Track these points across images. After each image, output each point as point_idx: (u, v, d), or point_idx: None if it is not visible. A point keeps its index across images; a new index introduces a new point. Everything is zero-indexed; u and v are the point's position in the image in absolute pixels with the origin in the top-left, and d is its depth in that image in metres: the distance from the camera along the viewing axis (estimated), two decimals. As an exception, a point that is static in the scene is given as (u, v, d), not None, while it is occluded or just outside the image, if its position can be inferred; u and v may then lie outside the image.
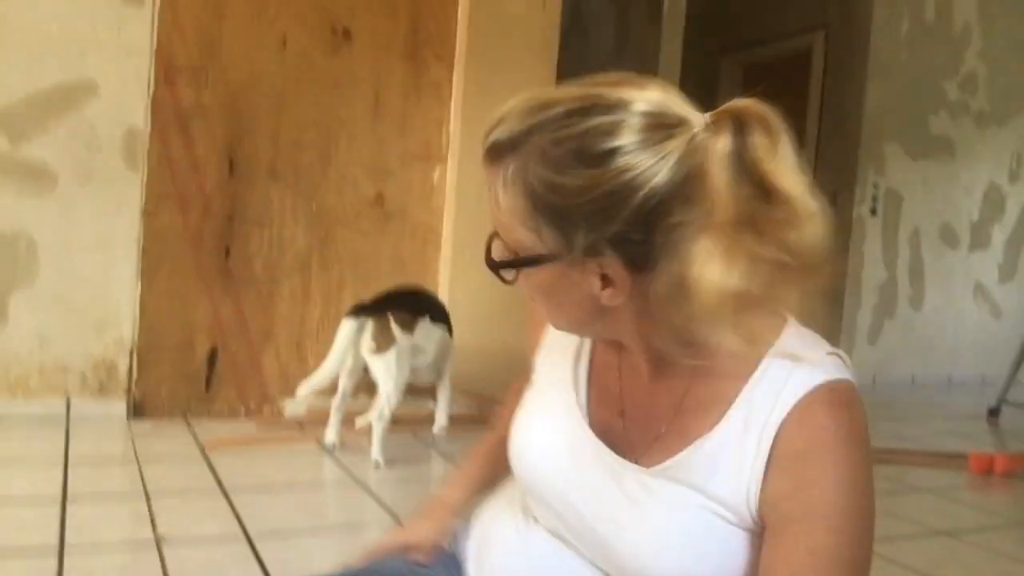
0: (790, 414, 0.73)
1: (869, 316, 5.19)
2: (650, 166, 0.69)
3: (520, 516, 0.92)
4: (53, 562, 1.70)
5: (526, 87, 2.85)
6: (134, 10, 2.84)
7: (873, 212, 5.10)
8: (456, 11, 3.30)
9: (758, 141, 0.71)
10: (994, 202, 5.55)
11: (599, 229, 0.71)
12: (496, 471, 1.06)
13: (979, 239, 5.53)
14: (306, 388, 2.67)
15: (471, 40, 3.24)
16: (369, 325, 2.61)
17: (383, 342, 2.59)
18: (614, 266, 0.73)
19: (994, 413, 4.24)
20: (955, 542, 2.31)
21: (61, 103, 2.79)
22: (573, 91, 0.73)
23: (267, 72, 3.03)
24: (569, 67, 4.42)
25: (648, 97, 0.72)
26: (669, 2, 4.44)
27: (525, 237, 0.75)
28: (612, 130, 0.70)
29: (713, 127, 0.72)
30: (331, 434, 2.73)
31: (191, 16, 2.92)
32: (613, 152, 0.69)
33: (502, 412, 1.08)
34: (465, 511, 1.05)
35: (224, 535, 1.94)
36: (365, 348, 2.62)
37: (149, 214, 2.91)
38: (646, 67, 4.47)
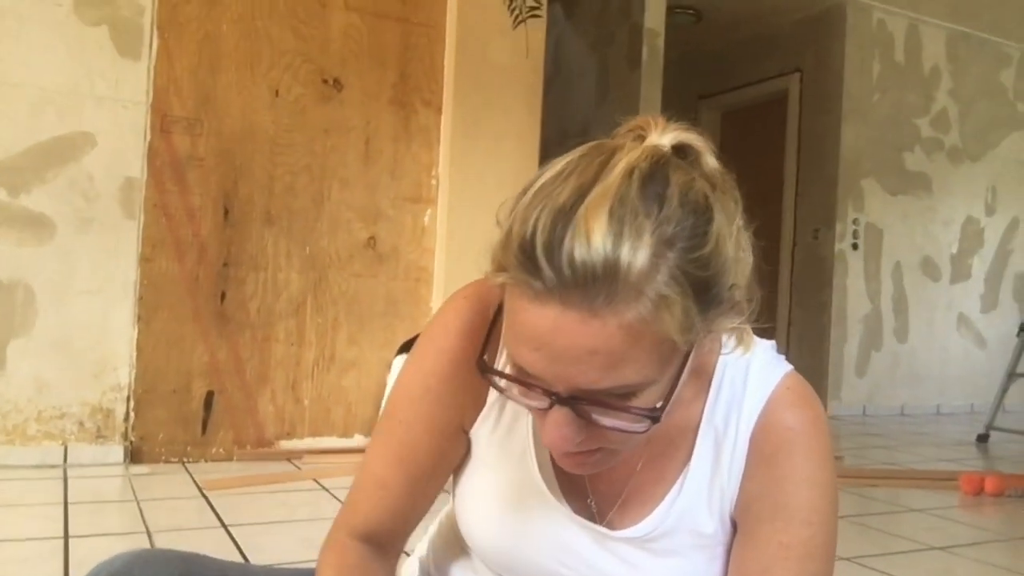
0: (757, 424, 0.75)
1: (856, 349, 5.26)
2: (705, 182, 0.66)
3: None
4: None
5: (513, 131, 2.94)
6: (131, 63, 2.94)
7: (855, 247, 5.21)
8: (443, 60, 3.41)
9: None
10: (972, 235, 5.68)
11: (732, 272, 0.64)
12: None
13: (960, 271, 5.64)
14: None
15: (458, 87, 3.35)
16: None
17: None
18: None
19: (983, 439, 4.30)
20: (950, 556, 2.35)
21: (60, 155, 2.86)
22: (609, 183, 0.61)
23: (260, 121, 3.12)
24: (553, 113, 4.53)
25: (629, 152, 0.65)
26: (648, 50, 4.59)
27: (662, 350, 0.61)
28: (670, 171, 0.63)
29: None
30: None
31: (186, 69, 3.01)
32: (692, 184, 0.63)
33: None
34: None
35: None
36: None
37: (146, 261, 2.97)
38: (627, 112, 4.58)
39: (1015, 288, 5.85)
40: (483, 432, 0.82)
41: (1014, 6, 5.18)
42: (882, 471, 3.41)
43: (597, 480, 0.79)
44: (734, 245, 0.65)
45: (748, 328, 0.73)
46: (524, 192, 0.63)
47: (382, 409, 2.77)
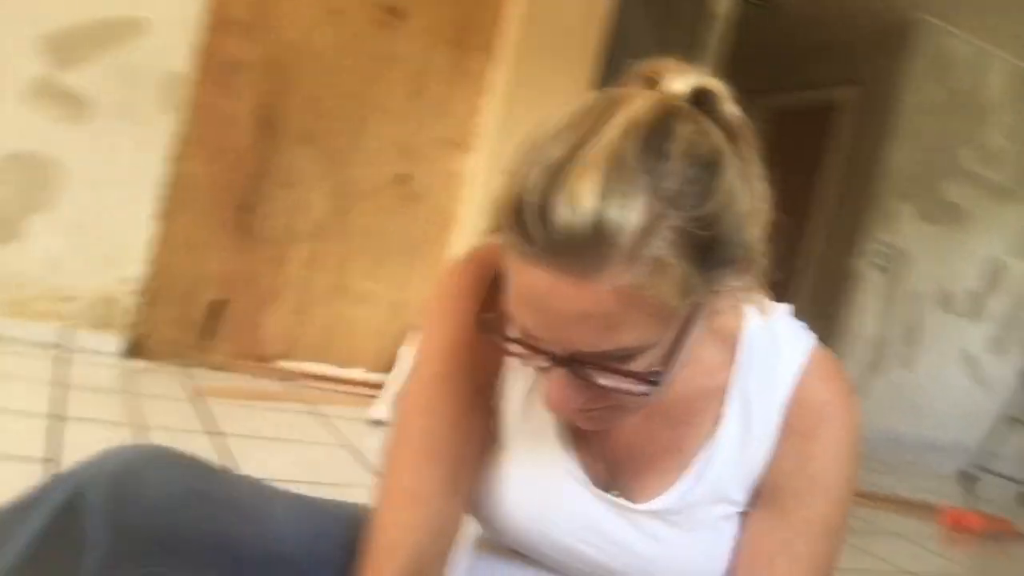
0: (791, 396, 0.73)
1: (861, 369, 5.24)
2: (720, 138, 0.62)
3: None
4: (43, 471, 1.72)
5: (565, 93, 2.89)
6: (195, -43, 2.88)
7: (880, 268, 5.16)
8: (507, 8, 3.34)
9: None
10: (996, 275, 5.62)
11: (743, 227, 0.61)
12: None
13: (976, 309, 5.59)
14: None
15: (519, 38, 3.29)
16: None
17: None
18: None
19: (971, 478, 4.30)
20: (925, 588, 2.35)
21: (110, 36, 2.81)
22: (605, 134, 0.57)
23: (316, 38, 3.07)
24: (604, 84, 4.45)
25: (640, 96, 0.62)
26: (714, 36, 4.50)
27: (661, 314, 0.59)
28: (676, 122, 0.59)
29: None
30: (383, 409, 2.76)
31: (249, -29, 2.96)
32: (700, 135, 0.60)
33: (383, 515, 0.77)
34: None
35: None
36: None
37: (177, 159, 2.93)
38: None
39: (1028, 336, 5.81)
40: (503, 401, 0.79)
41: (1085, 54, 5.08)
42: (870, 493, 3.40)
43: (615, 447, 0.77)
44: (748, 197, 0.61)
45: (764, 294, 0.71)
46: (524, 145, 0.60)
47: (397, 372, 2.67)
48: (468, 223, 3.31)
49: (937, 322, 5.47)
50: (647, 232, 0.55)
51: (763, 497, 0.74)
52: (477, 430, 0.78)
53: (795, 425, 0.73)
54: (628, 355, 0.60)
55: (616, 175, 0.55)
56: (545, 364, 0.62)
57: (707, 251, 0.58)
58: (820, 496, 0.72)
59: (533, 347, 0.62)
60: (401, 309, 3.28)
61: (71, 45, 2.76)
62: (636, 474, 0.77)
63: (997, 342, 5.71)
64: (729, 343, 0.75)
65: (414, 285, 3.29)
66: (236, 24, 2.95)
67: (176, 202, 2.95)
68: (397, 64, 3.20)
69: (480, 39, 3.31)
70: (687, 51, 4.55)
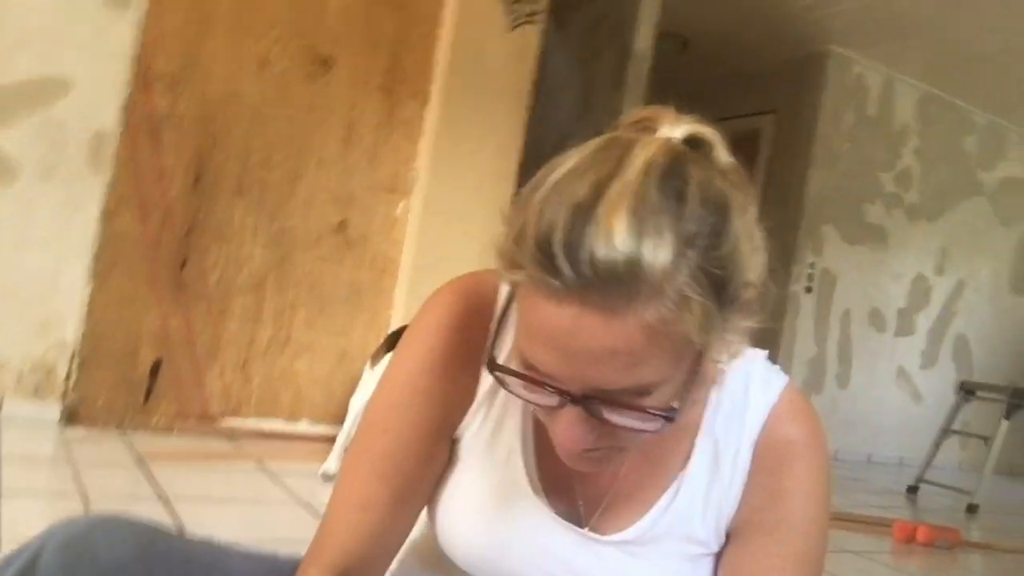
0: (760, 437, 0.75)
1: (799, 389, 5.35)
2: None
3: None
4: (-8, 549, 1.65)
5: (497, 135, 2.93)
6: (118, 13, 2.85)
7: (808, 290, 5.31)
8: (435, 54, 3.38)
9: None
10: (920, 292, 5.83)
11: (746, 269, 0.63)
12: None
13: (905, 325, 5.78)
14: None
15: (448, 83, 3.32)
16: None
17: None
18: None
19: (913, 491, 4.41)
20: (881, 601, 2.39)
21: (33, 97, 2.76)
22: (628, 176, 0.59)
23: (245, 90, 3.05)
24: (533, 122, 4.52)
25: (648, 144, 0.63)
26: (633, 72, 4.62)
27: (680, 349, 0.60)
28: (687, 166, 0.62)
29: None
30: (334, 463, 2.70)
31: (175, 26, 2.94)
32: (711, 180, 0.62)
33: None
34: None
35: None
36: None
37: (108, 217, 2.87)
38: (606, 131, 4.61)
39: (955, 348, 6.02)
40: (469, 432, 0.80)
41: (984, 73, 5.34)
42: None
43: (584, 482, 0.77)
44: (747, 240, 0.63)
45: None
46: (537, 186, 0.61)
47: (348, 424, 2.65)
48: (408, 267, 3.30)
49: (867, 340, 5.64)
50: (673, 269, 0.56)
51: (737, 535, 0.76)
52: (437, 456, 0.80)
53: (764, 463, 0.75)
54: (644, 391, 0.60)
55: (644, 214, 0.56)
56: (554, 402, 0.63)
57: (722, 289, 0.59)
58: (792, 532, 0.74)
59: (544, 385, 0.62)
60: (345, 358, 3.25)
61: (-8, 107, 2.70)
62: (607, 508, 0.78)
63: (926, 357, 5.91)
64: (703, 385, 0.75)
65: (357, 333, 3.27)
66: (163, 79, 2.92)
67: (109, 261, 2.89)
68: (328, 113, 3.20)
69: (411, 85, 3.34)
70: (611, 89, 4.67)
